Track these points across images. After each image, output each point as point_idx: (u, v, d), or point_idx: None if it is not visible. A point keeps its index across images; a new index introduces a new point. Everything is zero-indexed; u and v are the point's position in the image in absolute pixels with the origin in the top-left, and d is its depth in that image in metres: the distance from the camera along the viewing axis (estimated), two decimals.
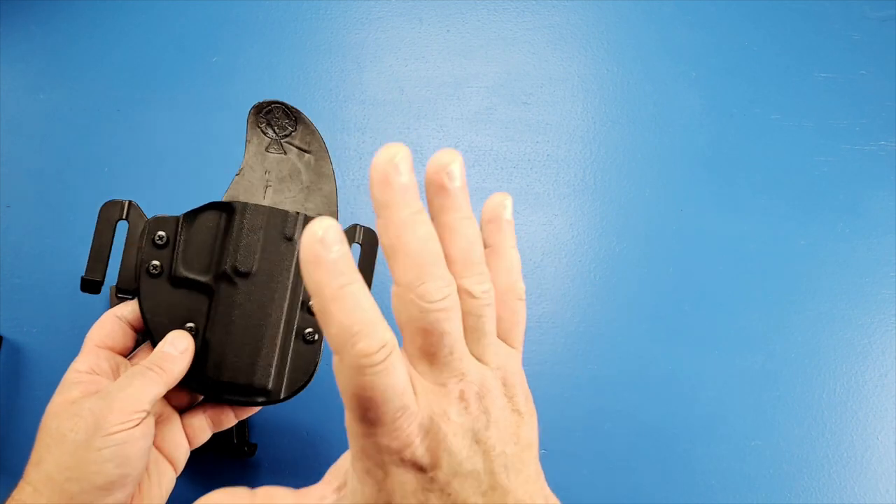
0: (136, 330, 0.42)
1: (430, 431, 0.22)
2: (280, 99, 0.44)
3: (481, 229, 0.28)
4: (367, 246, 0.45)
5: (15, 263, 0.61)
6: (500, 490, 0.23)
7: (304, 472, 0.56)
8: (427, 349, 0.23)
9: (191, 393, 0.42)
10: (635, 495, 0.55)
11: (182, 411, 0.42)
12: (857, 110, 0.65)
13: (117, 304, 0.57)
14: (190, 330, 0.39)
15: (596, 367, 0.58)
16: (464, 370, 0.24)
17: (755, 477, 0.56)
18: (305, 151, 0.45)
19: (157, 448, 0.39)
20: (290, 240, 0.39)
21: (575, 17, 0.68)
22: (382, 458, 0.22)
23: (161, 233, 0.40)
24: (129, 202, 0.41)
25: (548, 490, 0.27)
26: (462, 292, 0.24)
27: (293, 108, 0.45)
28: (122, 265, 0.41)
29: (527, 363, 0.60)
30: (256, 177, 0.44)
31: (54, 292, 0.61)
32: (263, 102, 0.45)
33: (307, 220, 0.40)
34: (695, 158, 0.64)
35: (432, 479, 0.22)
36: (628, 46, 0.67)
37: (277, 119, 0.45)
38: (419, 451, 0.22)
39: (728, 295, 0.60)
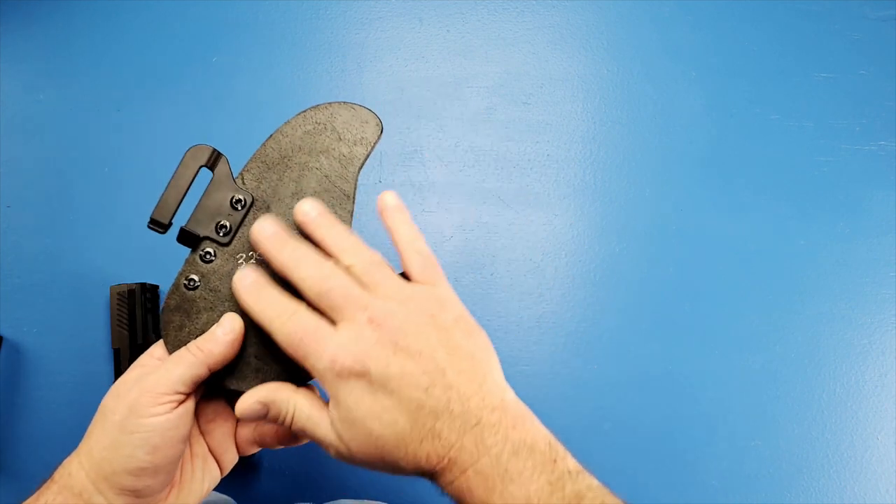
0: None
1: (351, 347, 0.31)
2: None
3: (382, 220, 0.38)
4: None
5: (15, 263, 0.61)
6: (442, 385, 0.30)
7: (304, 472, 0.57)
8: (329, 304, 0.32)
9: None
10: (635, 495, 0.55)
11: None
12: (857, 110, 0.65)
13: (117, 303, 0.58)
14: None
15: (596, 367, 0.58)
16: (365, 304, 0.32)
17: (755, 477, 0.56)
18: None
19: (209, 446, 0.39)
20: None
21: (575, 17, 0.68)
22: (327, 380, 0.31)
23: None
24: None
25: (510, 395, 0.32)
26: (344, 269, 0.33)
27: None
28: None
29: (527, 363, 0.61)
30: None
31: (54, 292, 0.61)
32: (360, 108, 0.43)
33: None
34: (695, 158, 0.64)
35: (370, 382, 0.30)
36: (628, 46, 0.67)
37: None
38: (347, 362, 0.30)
39: (728, 295, 0.60)
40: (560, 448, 0.31)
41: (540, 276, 0.61)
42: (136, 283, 0.58)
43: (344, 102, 0.40)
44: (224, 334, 0.35)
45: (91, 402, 0.59)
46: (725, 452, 0.56)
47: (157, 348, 0.37)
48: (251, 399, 0.34)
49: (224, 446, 0.39)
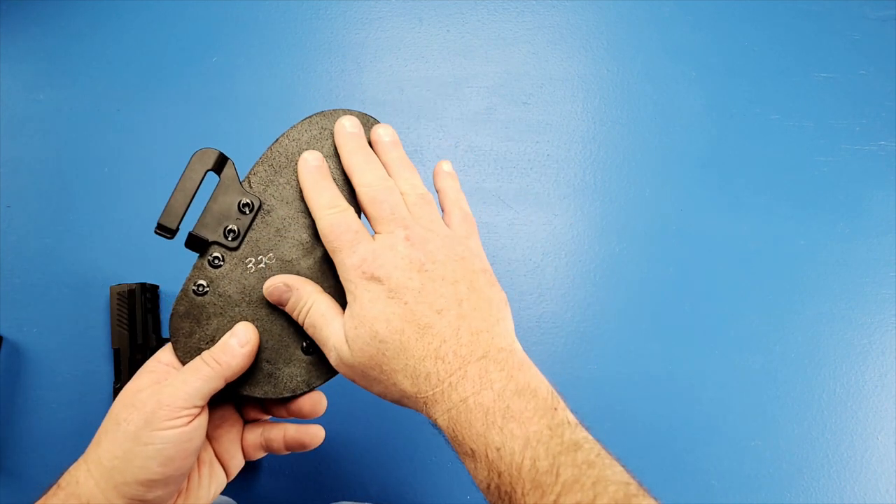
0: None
1: (382, 254, 0.33)
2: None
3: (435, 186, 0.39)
4: None
5: (15, 263, 0.61)
6: (455, 313, 0.32)
7: (304, 472, 0.57)
8: (377, 213, 0.34)
9: (263, 409, 0.41)
10: None
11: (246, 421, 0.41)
12: (857, 110, 0.65)
13: (117, 303, 0.58)
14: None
15: (596, 367, 0.58)
16: (407, 224, 0.34)
17: (755, 477, 0.56)
18: None
19: (216, 451, 0.39)
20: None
21: (575, 17, 0.68)
22: (351, 278, 0.33)
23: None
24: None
25: (518, 345, 0.34)
26: (399, 193, 0.35)
27: None
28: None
29: None
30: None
31: (54, 292, 0.61)
32: (364, 116, 0.43)
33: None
34: (695, 158, 0.64)
35: (389, 289, 0.32)
36: (628, 46, 0.67)
37: None
38: (374, 264, 0.33)
39: (728, 295, 0.60)
40: (560, 399, 0.32)
41: (540, 276, 0.61)
42: (136, 283, 0.58)
43: (348, 110, 0.41)
44: (241, 346, 0.35)
45: (91, 402, 0.59)
46: (725, 452, 0.56)
47: (166, 353, 0.37)
48: (278, 280, 0.36)
49: (231, 452, 0.39)
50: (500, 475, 0.29)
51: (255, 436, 0.40)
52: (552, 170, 0.64)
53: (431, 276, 0.33)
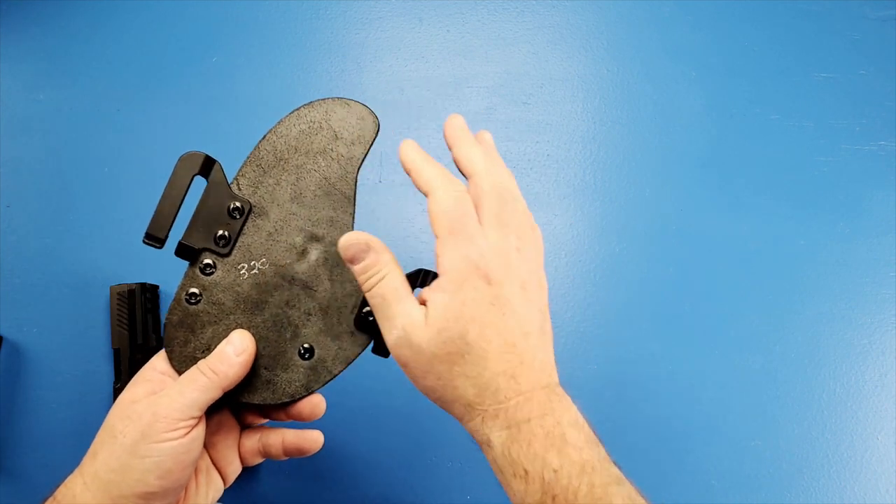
0: None
1: (499, 256, 0.32)
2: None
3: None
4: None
5: (15, 263, 0.61)
6: (536, 340, 0.33)
7: (304, 472, 0.56)
8: (495, 208, 0.33)
9: (261, 413, 0.41)
10: None
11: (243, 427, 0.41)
12: (857, 110, 0.65)
13: (117, 303, 0.58)
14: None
15: (596, 367, 0.58)
16: (519, 234, 0.33)
17: (755, 477, 0.56)
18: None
19: (212, 458, 0.39)
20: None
21: (575, 17, 0.68)
22: (461, 265, 0.31)
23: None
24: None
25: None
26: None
27: None
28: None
29: None
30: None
31: (54, 292, 0.61)
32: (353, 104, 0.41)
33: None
34: (695, 158, 0.64)
35: (495, 296, 0.31)
36: (628, 46, 0.67)
37: None
38: (490, 265, 0.31)
39: (728, 295, 0.60)
40: (598, 438, 0.33)
41: None
42: (136, 283, 0.58)
43: (338, 98, 0.39)
44: (237, 355, 0.35)
45: (91, 402, 0.59)
46: (725, 452, 0.56)
47: (160, 361, 0.36)
48: (361, 237, 0.34)
49: (228, 458, 0.39)
50: (554, 498, 0.29)
51: (252, 441, 0.40)
52: (552, 170, 0.64)
53: (528, 297, 0.33)
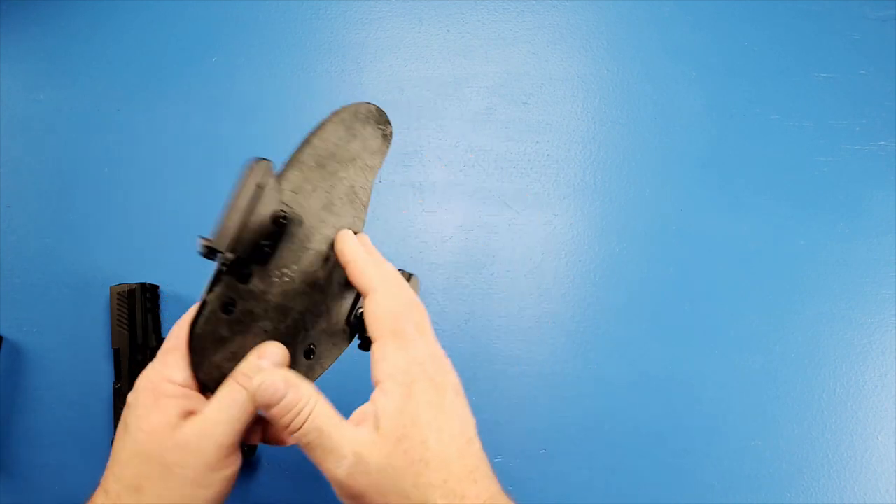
0: None
1: (444, 360, 0.33)
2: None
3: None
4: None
5: (15, 263, 0.61)
6: (477, 439, 0.33)
7: (303, 473, 0.56)
8: (421, 322, 0.34)
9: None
10: (635, 495, 0.55)
11: None
12: (857, 110, 0.65)
13: (117, 303, 0.58)
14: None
15: (596, 367, 0.58)
16: (434, 342, 0.34)
17: (755, 477, 0.56)
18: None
19: None
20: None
21: (575, 17, 0.68)
22: (411, 368, 0.31)
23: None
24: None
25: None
26: None
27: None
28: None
29: (527, 363, 0.61)
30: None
31: (54, 292, 0.61)
32: (380, 113, 0.42)
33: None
34: (695, 158, 0.64)
35: (446, 401, 0.31)
36: (628, 46, 0.67)
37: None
38: (439, 369, 0.32)
39: (728, 295, 0.60)
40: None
41: (540, 276, 0.61)
42: (136, 283, 0.58)
43: (372, 105, 0.40)
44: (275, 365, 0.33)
45: (91, 402, 0.59)
46: (725, 452, 0.56)
47: (173, 371, 0.33)
48: (276, 375, 0.32)
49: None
50: None
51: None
52: (552, 170, 0.64)
53: (463, 403, 0.33)
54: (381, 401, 0.31)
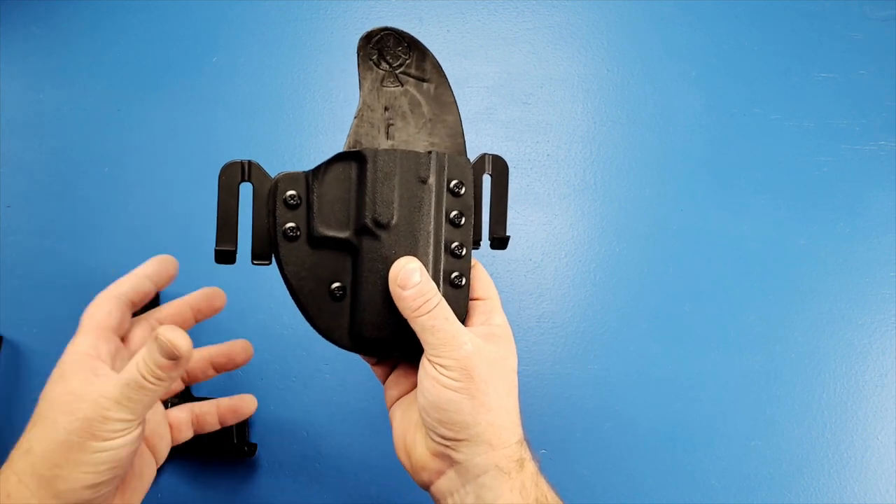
0: (134, 308, 0.41)
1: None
2: (388, 26, 0.41)
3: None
4: (496, 175, 0.44)
5: (15, 263, 0.61)
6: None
7: (303, 472, 0.56)
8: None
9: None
10: (635, 495, 0.55)
11: (165, 404, 0.41)
12: (857, 110, 0.65)
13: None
14: (337, 290, 0.37)
15: (596, 367, 0.58)
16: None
17: (755, 477, 0.56)
18: (423, 80, 0.41)
19: (143, 439, 0.37)
20: (425, 182, 0.38)
21: (575, 17, 0.68)
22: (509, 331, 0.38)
23: (291, 192, 0.36)
24: (249, 161, 0.37)
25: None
26: None
27: (405, 33, 0.41)
28: (254, 230, 0.37)
29: (527, 363, 0.61)
30: (376, 117, 0.40)
31: (54, 292, 0.61)
32: (373, 31, 0.41)
33: (440, 158, 0.39)
34: (695, 158, 0.64)
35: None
36: (628, 46, 0.67)
37: (389, 48, 0.41)
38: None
39: (728, 295, 0.60)
40: None
41: (540, 276, 0.61)
42: None
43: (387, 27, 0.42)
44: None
45: None
46: (725, 452, 0.56)
47: (79, 343, 0.36)
48: (414, 263, 0.35)
49: (159, 433, 0.39)
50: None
51: (183, 413, 0.40)
52: (552, 170, 0.64)
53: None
54: (497, 320, 0.37)
